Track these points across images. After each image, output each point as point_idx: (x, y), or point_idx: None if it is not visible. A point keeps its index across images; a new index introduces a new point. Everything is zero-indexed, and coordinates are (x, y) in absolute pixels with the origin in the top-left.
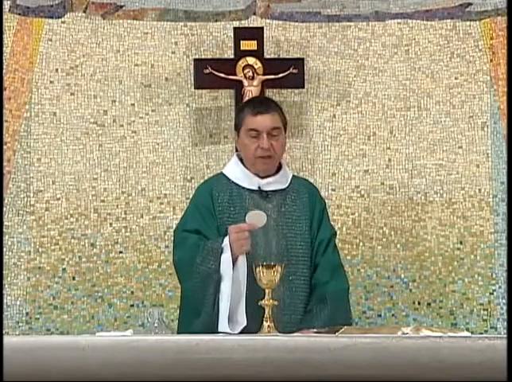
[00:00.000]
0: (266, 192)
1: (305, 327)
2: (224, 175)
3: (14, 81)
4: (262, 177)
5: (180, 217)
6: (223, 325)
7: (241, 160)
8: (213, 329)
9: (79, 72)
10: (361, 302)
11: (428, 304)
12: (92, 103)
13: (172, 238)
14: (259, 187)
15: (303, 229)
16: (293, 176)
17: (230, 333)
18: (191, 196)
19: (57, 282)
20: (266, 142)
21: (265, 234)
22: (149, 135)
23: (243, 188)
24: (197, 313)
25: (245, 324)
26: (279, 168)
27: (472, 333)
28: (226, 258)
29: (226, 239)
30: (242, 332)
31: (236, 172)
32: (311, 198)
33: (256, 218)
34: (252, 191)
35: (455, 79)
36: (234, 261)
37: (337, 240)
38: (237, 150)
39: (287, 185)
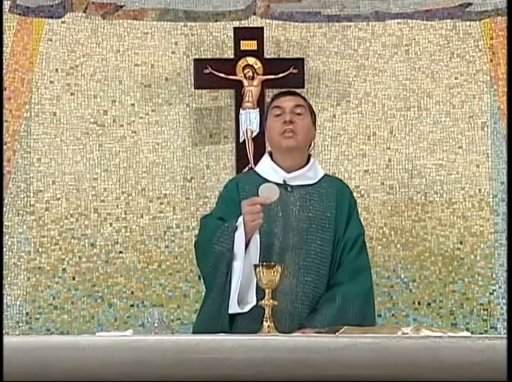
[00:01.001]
0: (291, 186)
1: (308, 326)
2: (254, 171)
3: (14, 81)
4: (289, 172)
5: None
6: (233, 305)
7: (271, 156)
8: (223, 310)
9: (79, 72)
10: None
11: (428, 304)
12: (92, 103)
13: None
14: (284, 181)
15: (325, 226)
16: (326, 175)
17: (240, 314)
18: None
19: (57, 282)
20: (289, 116)
21: (285, 225)
22: (149, 135)
23: (269, 181)
24: (210, 293)
25: (254, 303)
26: (308, 163)
27: (472, 333)
28: (238, 235)
29: (241, 218)
30: (242, 332)
31: (264, 166)
32: (339, 196)
33: (269, 191)
34: (277, 184)
35: (455, 79)
36: (248, 242)
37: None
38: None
39: (315, 181)
